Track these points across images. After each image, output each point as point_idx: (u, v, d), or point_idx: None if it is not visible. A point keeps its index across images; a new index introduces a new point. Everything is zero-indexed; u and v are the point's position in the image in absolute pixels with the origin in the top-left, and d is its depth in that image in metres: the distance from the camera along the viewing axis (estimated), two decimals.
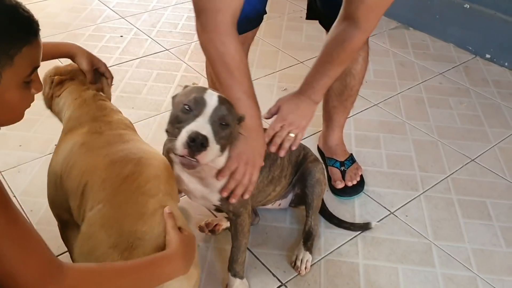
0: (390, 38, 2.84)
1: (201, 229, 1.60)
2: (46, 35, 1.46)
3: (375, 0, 1.33)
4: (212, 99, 1.12)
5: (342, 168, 1.82)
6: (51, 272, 0.77)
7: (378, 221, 1.67)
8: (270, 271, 1.50)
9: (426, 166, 1.93)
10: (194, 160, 1.06)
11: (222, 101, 1.14)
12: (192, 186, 1.30)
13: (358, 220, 1.69)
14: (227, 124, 1.12)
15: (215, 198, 1.30)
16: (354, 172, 1.82)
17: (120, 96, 2.24)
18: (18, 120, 0.91)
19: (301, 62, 2.55)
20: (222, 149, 1.14)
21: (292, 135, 1.43)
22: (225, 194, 1.27)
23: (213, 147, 1.08)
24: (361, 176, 1.83)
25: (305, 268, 1.50)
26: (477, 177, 1.89)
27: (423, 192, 1.81)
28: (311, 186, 1.54)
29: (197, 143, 1.04)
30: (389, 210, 1.73)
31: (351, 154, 1.88)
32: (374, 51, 2.67)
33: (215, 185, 1.27)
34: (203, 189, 1.29)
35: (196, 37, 2.62)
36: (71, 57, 1.33)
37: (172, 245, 0.97)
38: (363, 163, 1.90)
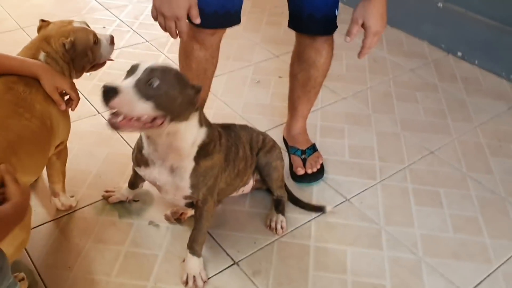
0: None
1: (167, 217, 1.66)
2: (30, 25, 1.55)
3: None
4: (144, 65, 1.17)
5: (303, 156, 1.90)
6: None
7: (334, 207, 1.75)
8: (224, 251, 1.57)
9: (386, 156, 2.00)
10: (116, 119, 1.13)
11: (156, 67, 1.16)
12: (164, 179, 1.36)
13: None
14: (155, 85, 1.14)
15: (186, 186, 1.36)
16: (315, 160, 1.89)
17: (97, 84, 2.31)
18: None
19: (277, 56, 2.63)
20: (157, 108, 1.15)
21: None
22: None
23: (128, 97, 1.10)
24: (322, 165, 1.90)
25: (281, 227, 1.63)
26: (434, 168, 1.96)
27: (380, 181, 1.88)
28: (269, 174, 1.64)
29: (106, 91, 1.09)
30: (345, 197, 1.80)
31: (314, 143, 1.96)
32: (348, 46, 2.71)
33: (184, 172, 1.33)
34: (174, 180, 1.35)
35: None
36: (37, 78, 1.35)
37: (15, 197, 0.96)
38: (326, 153, 1.97)
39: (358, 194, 1.82)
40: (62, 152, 1.53)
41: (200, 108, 1.30)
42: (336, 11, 1.65)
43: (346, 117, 2.22)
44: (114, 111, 1.12)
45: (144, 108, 1.13)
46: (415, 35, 2.90)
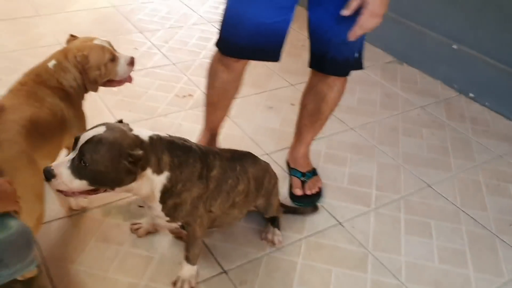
0: (383, 70, 3.02)
1: (170, 232, 1.75)
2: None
3: None
4: (82, 139, 1.23)
5: (303, 178, 2.00)
6: None
7: (324, 229, 1.84)
8: (216, 259, 1.68)
9: (383, 186, 2.08)
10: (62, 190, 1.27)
11: (88, 145, 1.21)
12: (150, 214, 1.55)
13: (307, 226, 1.85)
14: (86, 164, 1.21)
15: (163, 217, 1.45)
16: (314, 183, 1.99)
17: (121, 99, 2.49)
18: None
19: (292, 85, 2.76)
20: (92, 184, 1.25)
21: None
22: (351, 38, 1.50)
23: (63, 178, 1.22)
24: (320, 189, 2.00)
25: (278, 240, 1.75)
26: (429, 200, 2.03)
27: (374, 209, 1.96)
28: (267, 211, 1.75)
29: (45, 175, 1.24)
30: (338, 221, 1.89)
31: (314, 168, 2.06)
32: (364, 81, 2.89)
33: (157, 209, 1.42)
34: (153, 212, 1.47)
35: (202, 55, 2.92)
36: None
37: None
38: (326, 178, 2.07)
39: (350, 219, 1.90)
40: None
41: (152, 161, 1.30)
42: (356, 53, 1.71)
43: (351, 146, 2.32)
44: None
45: (80, 185, 1.24)
46: (430, 74, 2.99)
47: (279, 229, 1.78)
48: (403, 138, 2.41)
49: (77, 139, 1.25)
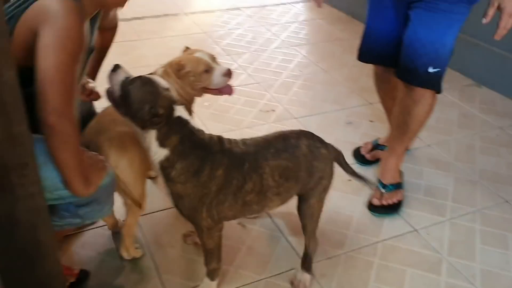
0: (461, 92, 3.08)
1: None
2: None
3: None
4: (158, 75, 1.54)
5: (383, 190, 2.09)
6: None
7: (400, 235, 1.94)
8: (297, 254, 1.83)
9: (459, 199, 2.15)
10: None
11: (144, 77, 1.42)
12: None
13: (383, 231, 1.97)
14: (132, 83, 1.39)
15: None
16: (392, 195, 2.08)
17: (212, 112, 2.76)
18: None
19: (371, 103, 2.90)
20: (121, 101, 1.42)
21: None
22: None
23: (118, 77, 1.41)
24: (398, 201, 2.08)
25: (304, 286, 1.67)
26: (506, 215, 2.07)
27: (450, 219, 2.04)
28: (304, 211, 1.62)
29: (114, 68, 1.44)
30: (413, 227, 1.99)
31: (400, 182, 2.13)
32: (441, 101, 2.94)
33: (164, 187, 1.49)
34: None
35: (284, 75, 3.13)
36: None
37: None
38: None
39: (426, 227, 1.99)
40: None
41: (162, 129, 1.39)
42: (431, 68, 1.84)
43: (427, 161, 2.40)
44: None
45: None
46: (510, 96, 3.00)
47: (309, 271, 1.68)
48: (480, 156, 2.46)
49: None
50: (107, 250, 1.83)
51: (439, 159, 2.43)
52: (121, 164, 1.55)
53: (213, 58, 1.94)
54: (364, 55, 2.14)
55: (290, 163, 1.50)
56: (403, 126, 2.03)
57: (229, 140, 1.51)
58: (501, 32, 1.69)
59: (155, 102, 1.37)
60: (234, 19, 4.24)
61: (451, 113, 2.84)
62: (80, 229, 1.89)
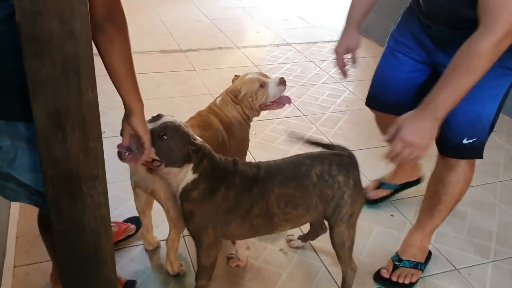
0: (508, 136, 3.06)
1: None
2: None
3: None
4: (163, 119, 1.47)
5: (397, 263, 1.90)
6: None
7: (440, 273, 1.94)
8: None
9: (504, 242, 2.13)
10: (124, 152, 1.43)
11: (170, 125, 1.44)
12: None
13: (425, 270, 1.96)
14: (164, 138, 1.43)
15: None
16: (406, 274, 1.87)
17: (259, 141, 2.86)
18: None
19: None
20: (157, 154, 1.44)
21: (413, 156, 1.38)
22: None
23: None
24: (411, 283, 1.86)
25: None
26: None
27: (493, 261, 2.02)
28: (333, 239, 1.64)
29: None
30: (454, 267, 1.99)
31: (420, 263, 1.91)
32: (488, 144, 2.92)
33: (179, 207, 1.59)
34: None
35: (331, 110, 3.19)
36: (129, 113, 1.34)
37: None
38: (444, 227, 2.17)
39: (468, 267, 1.99)
40: None
41: (199, 159, 1.48)
42: (465, 140, 1.68)
43: (472, 203, 2.40)
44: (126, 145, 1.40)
45: (150, 151, 1.40)
46: None
47: None
48: None
49: (156, 117, 1.48)
50: (155, 265, 1.94)
51: (484, 201, 2.42)
52: (161, 182, 1.66)
53: (263, 75, 2.05)
54: (373, 102, 2.06)
55: (297, 192, 1.53)
56: (434, 197, 1.83)
57: (243, 162, 1.60)
58: (389, 155, 1.41)
59: (190, 140, 1.48)
60: (284, 54, 4.39)
61: (498, 156, 2.83)
62: (130, 243, 2.01)
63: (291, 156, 1.64)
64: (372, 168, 2.64)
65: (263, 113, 2.20)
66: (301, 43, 4.66)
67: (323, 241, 1.96)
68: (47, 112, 1.11)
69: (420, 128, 1.36)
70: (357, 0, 1.87)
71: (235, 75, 2.12)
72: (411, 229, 1.95)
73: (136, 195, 1.80)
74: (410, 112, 1.41)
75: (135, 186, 1.74)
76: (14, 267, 1.87)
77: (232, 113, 1.98)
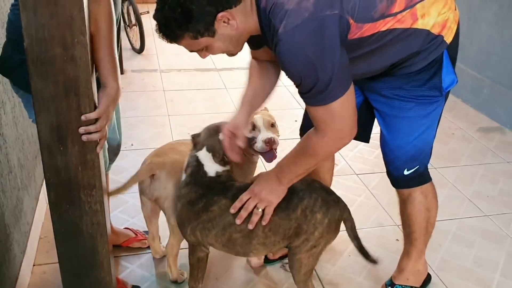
0: None
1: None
2: None
3: (313, 115, 1.42)
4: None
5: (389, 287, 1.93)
6: None
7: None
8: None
9: (510, 275, 2.10)
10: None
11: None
12: None
13: None
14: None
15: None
16: None
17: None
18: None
19: (435, 168, 2.92)
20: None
21: (259, 210, 1.54)
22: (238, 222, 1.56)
23: None
24: None
25: None
26: None
27: None
28: (291, 262, 1.69)
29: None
30: None
31: (413, 287, 1.91)
32: (510, 174, 2.90)
33: None
34: None
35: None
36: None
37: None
38: (449, 255, 2.18)
39: None
40: None
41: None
42: (405, 171, 1.70)
43: (482, 232, 2.38)
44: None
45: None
46: None
47: None
48: None
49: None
50: (160, 272, 2.05)
51: (495, 231, 2.39)
52: (168, 186, 1.77)
53: (268, 122, 1.87)
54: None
55: (282, 222, 1.59)
56: (406, 227, 1.86)
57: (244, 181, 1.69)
58: (236, 205, 1.57)
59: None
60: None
61: None
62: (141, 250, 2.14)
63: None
64: (386, 192, 2.67)
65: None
66: None
67: (326, 260, 2.01)
68: (50, 126, 1.26)
69: (268, 185, 1.56)
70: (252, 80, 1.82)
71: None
72: (401, 254, 1.94)
73: (142, 203, 1.93)
74: (267, 171, 1.62)
75: (141, 193, 1.87)
76: (33, 265, 2.04)
77: None
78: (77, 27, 1.17)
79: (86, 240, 1.43)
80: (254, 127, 1.83)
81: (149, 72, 4.29)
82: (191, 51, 1.47)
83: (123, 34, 4.85)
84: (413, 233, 1.83)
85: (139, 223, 2.26)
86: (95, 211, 1.40)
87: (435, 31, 1.47)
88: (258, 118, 1.88)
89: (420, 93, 1.58)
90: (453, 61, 1.58)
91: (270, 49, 1.43)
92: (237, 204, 1.56)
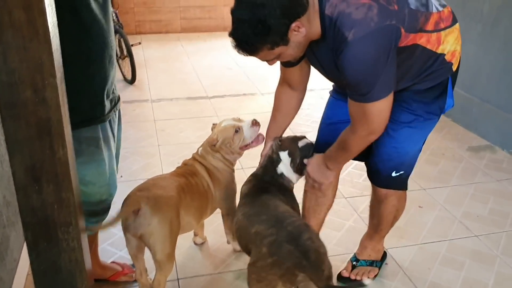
0: None
1: None
2: None
3: (354, 110, 1.64)
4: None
5: (355, 263, 2.18)
6: None
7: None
8: None
9: None
10: None
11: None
12: None
13: None
14: None
15: None
16: (363, 271, 2.14)
17: None
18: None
19: (424, 189, 2.92)
20: None
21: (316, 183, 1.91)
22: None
23: None
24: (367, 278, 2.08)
25: None
26: None
27: None
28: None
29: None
30: None
31: (376, 261, 2.19)
32: (499, 192, 2.91)
33: None
34: None
35: None
36: None
37: None
38: (438, 279, 2.17)
39: None
40: (226, 217, 2.22)
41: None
42: (394, 173, 1.88)
43: (472, 253, 2.37)
44: None
45: None
46: None
47: None
48: None
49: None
50: None
51: (485, 252, 2.38)
52: (153, 222, 1.78)
53: (237, 119, 2.17)
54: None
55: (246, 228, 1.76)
56: (374, 221, 2.11)
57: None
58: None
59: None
60: (306, 100, 4.48)
61: (508, 206, 2.78)
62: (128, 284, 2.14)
63: (288, 212, 1.77)
64: None
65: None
66: (323, 89, 4.76)
67: None
68: (24, 167, 1.28)
69: (320, 171, 1.88)
70: (277, 101, 2.03)
71: (213, 124, 2.24)
72: (364, 235, 2.21)
73: (127, 241, 1.92)
74: (319, 154, 1.89)
75: (125, 231, 1.88)
76: None
77: (213, 161, 2.11)
78: (46, 70, 1.20)
79: (65, 278, 1.43)
80: (237, 130, 2.08)
81: (141, 102, 4.34)
82: (264, 60, 1.63)
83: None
84: (380, 225, 2.09)
85: (127, 256, 2.25)
86: (72, 248, 1.41)
87: (448, 58, 1.69)
88: (227, 121, 2.16)
89: (425, 110, 1.78)
90: (453, 87, 1.80)
91: (327, 55, 1.62)
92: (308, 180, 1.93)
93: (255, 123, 2.14)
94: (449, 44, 1.67)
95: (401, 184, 1.96)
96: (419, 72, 1.68)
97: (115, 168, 1.91)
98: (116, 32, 4.81)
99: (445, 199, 2.83)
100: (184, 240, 2.37)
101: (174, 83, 4.92)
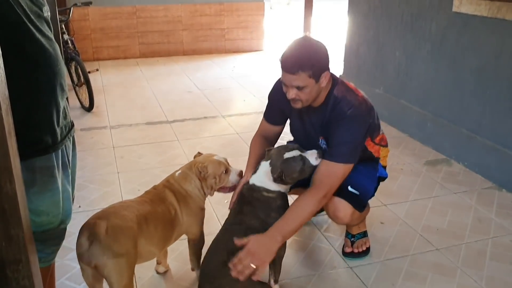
0: (479, 195, 3.09)
1: None
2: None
3: (323, 170, 1.97)
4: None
5: (352, 239, 2.48)
6: None
7: None
8: None
9: None
10: None
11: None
12: None
13: None
14: None
15: None
16: (361, 243, 2.48)
17: None
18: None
19: (385, 205, 2.97)
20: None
21: (253, 266, 1.76)
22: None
23: None
24: (368, 248, 2.49)
25: None
26: None
27: None
28: None
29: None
30: None
31: (365, 231, 2.52)
32: (457, 204, 2.99)
33: None
34: None
35: None
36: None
37: None
38: None
39: None
40: (193, 243, 2.18)
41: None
42: (349, 187, 2.15)
43: (433, 266, 2.41)
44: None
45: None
46: None
47: None
48: (490, 263, 2.42)
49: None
50: None
51: (446, 264, 2.42)
52: (107, 253, 1.73)
53: (226, 161, 2.17)
54: None
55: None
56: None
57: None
58: (234, 263, 1.79)
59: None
60: None
61: (466, 217, 2.85)
62: None
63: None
64: (337, 234, 2.68)
65: None
66: None
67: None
68: None
69: (264, 244, 1.83)
70: (253, 150, 2.31)
71: (198, 152, 2.24)
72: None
73: (82, 270, 1.85)
74: (259, 234, 1.87)
75: (79, 259, 1.80)
76: None
77: (190, 187, 2.08)
78: None
79: None
80: (226, 171, 2.13)
81: (99, 129, 4.25)
82: (293, 85, 1.92)
83: (72, 93, 4.84)
84: (351, 223, 2.39)
85: None
86: (23, 286, 1.34)
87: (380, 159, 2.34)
88: (219, 158, 2.16)
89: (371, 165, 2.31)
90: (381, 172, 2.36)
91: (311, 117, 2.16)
92: (235, 260, 1.79)
93: (240, 174, 2.17)
94: (382, 155, 2.32)
95: (356, 202, 2.18)
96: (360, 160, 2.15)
97: (71, 196, 1.85)
98: (72, 59, 4.74)
99: (405, 214, 2.88)
100: (146, 270, 2.31)
101: (133, 109, 4.86)
